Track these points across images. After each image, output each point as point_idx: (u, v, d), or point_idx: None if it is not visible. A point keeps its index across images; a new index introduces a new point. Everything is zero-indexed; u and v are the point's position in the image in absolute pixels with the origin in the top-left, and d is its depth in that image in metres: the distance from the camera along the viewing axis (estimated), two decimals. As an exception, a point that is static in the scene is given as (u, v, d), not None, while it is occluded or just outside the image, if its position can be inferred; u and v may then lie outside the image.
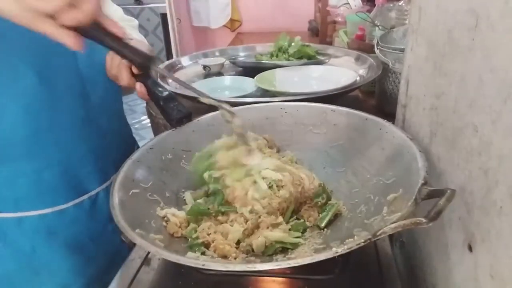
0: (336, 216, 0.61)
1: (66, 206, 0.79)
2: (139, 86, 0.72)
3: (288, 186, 0.62)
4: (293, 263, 0.43)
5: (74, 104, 0.75)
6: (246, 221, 0.58)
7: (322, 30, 2.12)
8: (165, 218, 0.61)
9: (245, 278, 0.60)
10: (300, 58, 1.40)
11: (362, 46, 1.43)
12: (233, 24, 3.13)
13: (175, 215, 0.61)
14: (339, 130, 0.76)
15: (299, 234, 0.58)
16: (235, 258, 0.53)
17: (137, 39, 0.88)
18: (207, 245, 0.55)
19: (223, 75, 1.41)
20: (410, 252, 0.72)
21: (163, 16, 3.31)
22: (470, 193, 0.45)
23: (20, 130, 0.70)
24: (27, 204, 0.75)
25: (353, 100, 1.22)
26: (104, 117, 0.83)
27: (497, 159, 0.39)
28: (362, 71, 1.25)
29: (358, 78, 1.15)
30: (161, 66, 1.36)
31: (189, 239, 0.57)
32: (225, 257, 0.53)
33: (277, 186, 0.62)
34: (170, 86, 1.22)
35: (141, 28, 3.65)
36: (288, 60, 1.39)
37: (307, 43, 1.48)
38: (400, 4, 1.36)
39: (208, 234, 0.56)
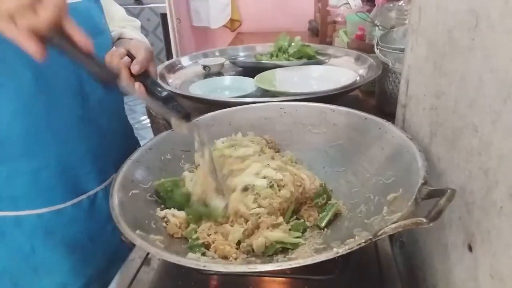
0: (336, 216, 0.61)
1: (64, 205, 0.79)
2: (138, 85, 0.72)
3: (289, 186, 0.61)
4: (294, 263, 0.43)
5: (72, 104, 0.75)
6: (246, 221, 0.58)
7: (322, 30, 2.12)
8: (165, 219, 0.61)
9: (245, 278, 0.60)
10: (300, 58, 1.40)
11: (362, 46, 1.43)
12: (233, 24, 3.12)
13: (175, 216, 0.60)
14: (338, 129, 0.76)
15: (299, 234, 0.58)
16: (235, 259, 0.53)
17: (139, 39, 0.88)
18: (207, 246, 0.55)
19: (223, 75, 1.41)
20: (410, 252, 0.72)
21: (163, 16, 3.31)
22: (470, 193, 0.45)
23: (18, 129, 0.70)
24: (25, 203, 0.75)
25: (353, 100, 1.22)
26: (104, 117, 0.83)
27: (497, 159, 0.39)
28: (362, 71, 1.25)
29: (358, 78, 1.15)
30: (161, 66, 1.36)
31: (189, 240, 0.57)
32: (225, 257, 0.53)
33: (278, 185, 0.62)
34: (170, 86, 1.22)
35: (141, 28, 3.64)
36: (288, 60, 1.39)
37: (307, 43, 1.48)
38: (400, 4, 1.36)
39: (209, 235, 0.56)
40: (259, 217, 0.58)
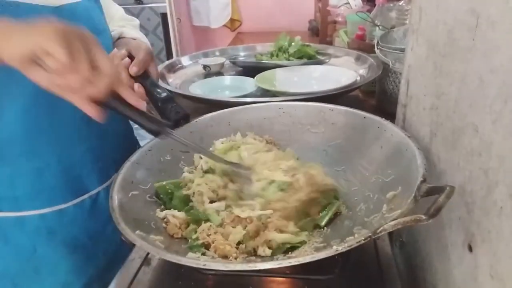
0: (336, 214, 0.61)
1: (66, 205, 0.79)
2: (137, 87, 0.72)
3: (305, 188, 0.61)
4: (294, 261, 0.43)
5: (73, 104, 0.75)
6: (250, 222, 0.58)
7: (322, 30, 2.12)
8: (165, 220, 0.61)
9: (245, 278, 0.60)
10: (300, 58, 1.40)
11: (362, 46, 1.43)
12: (233, 24, 3.12)
13: (175, 216, 0.60)
14: (337, 129, 0.76)
15: (308, 232, 0.58)
16: (235, 258, 0.53)
17: (140, 39, 0.88)
18: (207, 246, 0.55)
19: (223, 75, 1.41)
20: (410, 252, 0.72)
21: (163, 16, 3.31)
22: (470, 193, 0.45)
23: (20, 129, 0.70)
24: (27, 204, 0.75)
25: (353, 100, 1.22)
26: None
27: (497, 159, 0.39)
28: (362, 71, 1.25)
29: (358, 78, 1.15)
30: (161, 66, 1.36)
31: (189, 240, 0.57)
32: (225, 257, 0.53)
33: (290, 188, 0.62)
34: (170, 86, 1.22)
35: (141, 28, 3.63)
36: (288, 60, 1.39)
37: (307, 43, 1.48)
38: (400, 4, 1.36)
39: (208, 235, 0.56)
40: (268, 217, 0.58)
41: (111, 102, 0.52)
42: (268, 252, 0.53)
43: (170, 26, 2.60)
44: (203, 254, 0.53)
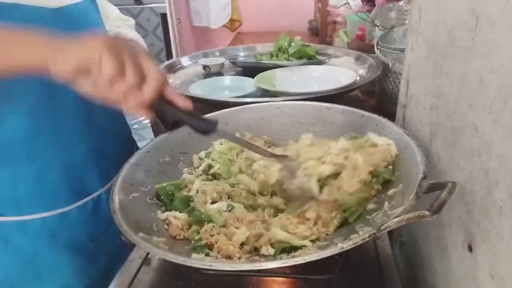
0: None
1: (68, 208, 0.78)
2: None
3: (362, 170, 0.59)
4: (300, 260, 0.43)
5: (76, 105, 0.75)
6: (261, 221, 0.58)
7: (322, 30, 2.12)
8: (166, 221, 0.61)
9: (245, 278, 0.60)
10: (300, 58, 1.40)
11: (362, 46, 1.43)
12: (233, 24, 3.12)
13: (177, 218, 0.60)
14: (335, 127, 0.76)
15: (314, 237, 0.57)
16: (239, 258, 0.52)
17: (134, 38, 0.88)
18: (210, 247, 0.55)
19: (223, 75, 1.41)
20: (410, 252, 0.72)
21: (163, 16, 3.31)
22: (470, 193, 0.45)
23: (22, 131, 0.69)
24: (29, 207, 0.75)
25: (353, 100, 1.22)
26: (106, 118, 0.83)
27: (497, 159, 0.39)
28: (362, 71, 1.25)
29: (358, 78, 1.15)
30: (161, 66, 1.36)
31: (192, 241, 0.57)
32: (229, 257, 0.53)
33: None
34: (170, 86, 1.22)
35: (141, 28, 3.64)
36: (288, 60, 1.39)
37: (307, 43, 1.48)
38: (400, 4, 1.36)
39: (212, 236, 0.56)
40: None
41: (161, 106, 0.54)
42: (271, 251, 0.53)
43: (170, 26, 2.60)
44: (207, 254, 0.53)
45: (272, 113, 0.82)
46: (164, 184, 0.66)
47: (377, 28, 1.36)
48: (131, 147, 0.97)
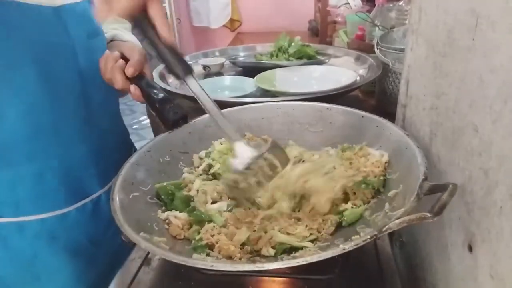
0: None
1: (68, 209, 0.78)
2: (133, 88, 0.72)
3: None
4: (301, 261, 0.43)
5: (75, 105, 0.75)
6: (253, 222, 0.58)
7: (322, 30, 2.13)
8: (167, 221, 0.60)
9: (245, 278, 0.60)
10: (300, 58, 1.40)
11: (362, 46, 1.43)
12: (233, 24, 3.13)
13: (177, 217, 0.60)
14: (335, 128, 0.76)
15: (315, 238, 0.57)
16: (240, 259, 0.52)
17: (130, 41, 0.88)
18: (211, 247, 0.55)
19: (223, 75, 1.41)
20: (410, 252, 0.72)
21: (163, 16, 3.31)
22: (470, 193, 0.45)
23: (22, 131, 0.69)
24: (28, 208, 0.74)
25: (353, 100, 1.22)
26: (105, 118, 0.83)
27: (497, 159, 0.39)
28: (362, 71, 1.25)
29: (358, 78, 1.15)
30: (161, 66, 1.35)
31: (193, 241, 0.57)
32: (229, 258, 0.53)
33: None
34: (170, 86, 1.22)
35: (141, 28, 3.64)
36: (288, 60, 1.39)
37: (307, 43, 1.48)
38: (400, 4, 1.36)
39: (212, 236, 0.56)
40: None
41: (144, 26, 0.58)
42: (272, 252, 0.53)
43: (170, 26, 2.60)
44: (207, 255, 0.53)
45: (272, 113, 0.82)
46: (165, 184, 0.66)
47: (377, 28, 1.36)
48: (129, 149, 0.97)
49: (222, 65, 1.45)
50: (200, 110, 0.81)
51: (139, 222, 0.55)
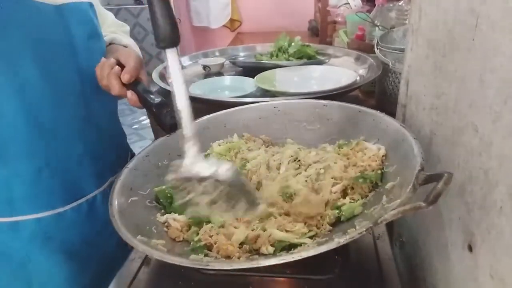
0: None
1: (64, 209, 0.78)
2: (130, 94, 0.72)
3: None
4: (297, 256, 0.43)
5: (75, 104, 0.75)
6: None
7: (322, 30, 2.12)
8: (166, 224, 0.60)
9: (245, 278, 0.60)
10: (300, 58, 1.40)
11: (362, 46, 1.43)
12: (233, 24, 3.13)
13: (176, 220, 0.60)
14: (333, 124, 0.76)
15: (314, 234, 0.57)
16: (238, 258, 0.52)
17: (128, 44, 0.88)
18: (209, 247, 0.55)
19: (223, 75, 1.41)
20: (410, 252, 0.72)
21: (163, 16, 3.30)
22: (470, 193, 0.45)
23: (21, 128, 0.69)
24: (23, 207, 0.74)
25: (353, 100, 1.21)
26: (103, 119, 0.84)
27: (497, 159, 0.39)
28: (362, 71, 1.25)
29: (358, 78, 1.15)
30: (161, 66, 1.35)
31: (192, 242, 0.57)
32: (228, 257, 0.53)
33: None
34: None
35: (141, 28, 3.64)
36: (288, 60, 1.39)
37: (307, 43, 1.48)
38: (400, 4, 1.36)
39: (211, 236, 0.56)
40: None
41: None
42: (271, 250, 0.53)
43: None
44: (206, 255, 0.53)
45: (269, 113, 0.82)
46: (163, 187, 0.66)
47: (377, 28, 1.36)
48: (125, 152, 0.97)
49: (222, 65, 1.45)
50: (199, 111, 0.81)
51: (138, 226, 0.56)
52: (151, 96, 0.73)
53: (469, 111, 0.46)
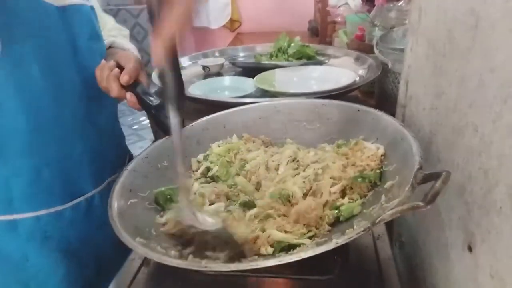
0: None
1: (62, 207, 0.78)
2: (129, 96, 0.72)
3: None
4: (295, 257, 0.43)
5: (75, 103, 0.76)
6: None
7: (321, 30, 2.13)
8: (166, 224, 0.60)
9: (245, 278, 0.60)
10: (299, 58, 1.40)
11: (361, 46, 1.43)
12: (232, 24, 3.13)
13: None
14: (332, 123, 0.76)
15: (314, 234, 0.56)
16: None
17: (128, 48, 0.88)
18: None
19: (223, 76, 1.41)
20: (410, 252, 0.72)
21: (163, 17, 3.31)
22: (470, 193, 0.45)
23: (22, 125, 0.69)
24: (22, 206, 0.74)
25: (353, 100, 1.20)
26: (103, 119, 0.84)
27: (497, 159, 0.39)
28: (361, 71, 1.25)
29: (357, 78, 1.15)
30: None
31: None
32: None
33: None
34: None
35: (141, 28, 3.64)
36: (288, 60, 1.39)
37: (306, 44, 1.48)
38: (400, 4, 1.36)
39: None
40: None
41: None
42: (270, 250, 0.53)
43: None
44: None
45: (269, 113, 0.82)
46: (163, 189, 0.66)
47: (376, 28, 1.36)
48: (124, 153, 0.98)
49: (222, 65, 1.45)
50: (198, 111, 0.81)
51: (137, 228, 0.55)
52: (150, 98, 0.73)
53: (469, 111, 0.46)
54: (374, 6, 1.54)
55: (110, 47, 0.87)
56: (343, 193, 0.61)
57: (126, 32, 0.98)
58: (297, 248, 0.52)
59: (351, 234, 0.44)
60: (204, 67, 1.42)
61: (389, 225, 0.73)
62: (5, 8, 0.64)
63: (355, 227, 0.46)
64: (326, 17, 2.08)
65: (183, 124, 0.77)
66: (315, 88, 1.14)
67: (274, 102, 0.84)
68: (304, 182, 0.63)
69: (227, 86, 1.27)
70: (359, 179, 0.60)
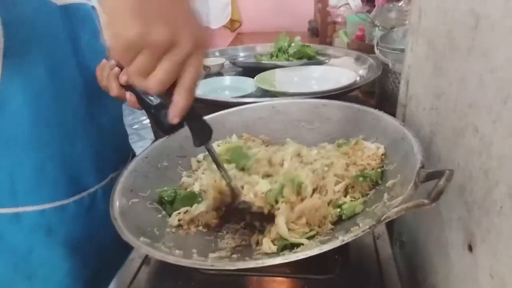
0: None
1: (67, 201, 0.78)
2: (129, 95, 0.72)
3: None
4: (302, 255, 0.43)
5: (77, 100, 0.76)
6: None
7: (322, 31, 2.13)
8: (181, 222, 0.61)
9: (245, 278, 0.60)
10: (300, 58, 1.40)
11: (362, 46, 1.43)
12: (233, 24, 3.13)
13: (189, 211, 0.62)
14: (332, 123, 0.76)
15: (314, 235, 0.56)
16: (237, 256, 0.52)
17: None
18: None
19: (223, 75, 1.41)
20: (410, 252, 0.72)
21: (163, 16, 3.31)
22: (470, 193, 0.45)
23: (26, 119, 0.69)
24: (27, 198, 0.74)
25: (353, 101, 1.21)
26: (105, 118, 0.84)
27: (497, 159, 0.39)
28: (362, 71, 1.25)
29: (358, 79, 1.15)
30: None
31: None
32: None
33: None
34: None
35: (141, 28, 3.64)
36: (288, 60, 1.39)
37: (307, 44, 1.48)
38: (400, 4, 1.36)
39: None
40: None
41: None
42: (274, 248, 0.53)
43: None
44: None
45: (268, 112, 0.82)
46: (165, 188, 0.66)
47: (377, 28, 1.36)
48: (127, 152, 0.98)
49: (222, 65, 1.45)
50: (201, 110, 0.80)
51: (139, 228, 0.56)
52: (150, 97, 0.73)
53: (469, 111, 0.46)
54: (374, 6, 1.54)
55: None
56: (345, 192, 0.61)
57: None
58: (301, 246, 0.52)
59: (356, 232, 0.44)
60: (204, 67, 1.42)
61: (389, 224, 0.73)
62: (10, 6, 0.64)
63: (360, 225, 0.46)
64: (326, 17, 2.08)
65: (183, 125, 0.77)
66: (316, 88, 1.14)
67: (274, 102, 0.84)
68: (313, 174, 0.62)
69: (227, 86, 1.27)
70: (360, 178, 0.60)
